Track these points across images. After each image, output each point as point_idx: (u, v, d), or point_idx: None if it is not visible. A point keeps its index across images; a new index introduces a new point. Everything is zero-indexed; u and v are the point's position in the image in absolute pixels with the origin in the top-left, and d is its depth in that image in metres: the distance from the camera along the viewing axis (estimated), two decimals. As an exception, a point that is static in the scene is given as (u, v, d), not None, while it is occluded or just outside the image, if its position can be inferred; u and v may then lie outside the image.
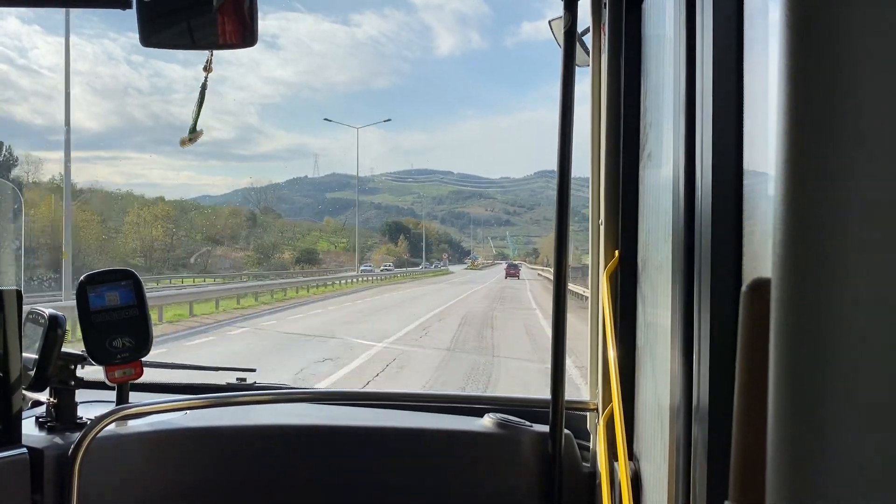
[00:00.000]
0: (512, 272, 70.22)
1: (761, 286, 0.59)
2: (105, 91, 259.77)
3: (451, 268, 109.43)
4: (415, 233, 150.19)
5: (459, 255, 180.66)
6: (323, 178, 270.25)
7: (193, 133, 1.58)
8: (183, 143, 1.59)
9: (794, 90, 0.42)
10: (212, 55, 1.63)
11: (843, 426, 0.39)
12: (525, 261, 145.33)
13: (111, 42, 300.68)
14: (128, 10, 1.82)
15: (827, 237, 0.40)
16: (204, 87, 1.57)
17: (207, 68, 1.58)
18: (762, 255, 1.08)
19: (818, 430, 0.40)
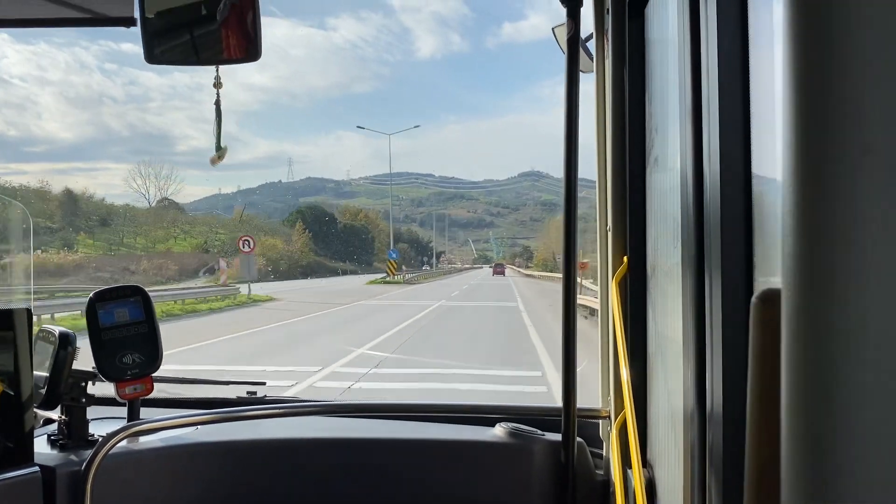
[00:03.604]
0: (499, 270, 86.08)
1: (771, 297, 0.60)
2: (79, 100, 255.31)
3: (335, 280, 59.36)
4: (348, 225, 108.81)
5: (425, 259, 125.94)
6: (296, 183, 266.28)
7: (220, 150, 1.60)
8: (213, 161, 1.60)
9: (799, 96, 0.41)
10: (218, 71, 1.64)
11: (856, 435, 0.39)
12: (513, 263, 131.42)
13: (83, 50, 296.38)
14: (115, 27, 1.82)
15: (836, 245, 0.39)
16: (218, 103, 1.58)
17: (217, 84, 1.59)
18: (773, 259, 1.08)
19: (831, 439, 0.39)
